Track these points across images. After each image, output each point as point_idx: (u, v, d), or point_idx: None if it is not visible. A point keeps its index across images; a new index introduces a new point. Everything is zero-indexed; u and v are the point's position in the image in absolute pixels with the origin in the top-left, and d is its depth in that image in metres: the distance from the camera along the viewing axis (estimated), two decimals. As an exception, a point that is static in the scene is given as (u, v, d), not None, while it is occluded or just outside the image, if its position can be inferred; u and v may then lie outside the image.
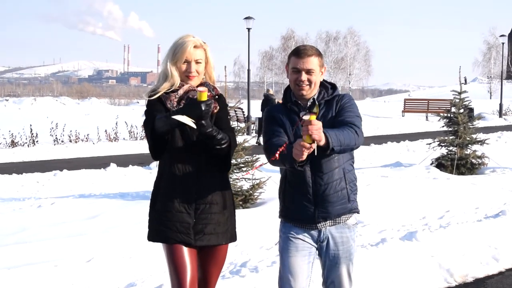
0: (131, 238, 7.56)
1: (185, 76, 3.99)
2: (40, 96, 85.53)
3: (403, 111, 44.50)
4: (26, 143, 22.59)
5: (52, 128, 23.10)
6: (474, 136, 14.44)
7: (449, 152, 14.32)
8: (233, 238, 4.11)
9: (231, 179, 9.20)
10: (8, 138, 22.80)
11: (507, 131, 26.88)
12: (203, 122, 3.74)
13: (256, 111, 28.88)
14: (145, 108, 4.05)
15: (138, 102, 72.50)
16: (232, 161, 4.27)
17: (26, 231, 8.19)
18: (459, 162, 13.94)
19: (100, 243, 7.44)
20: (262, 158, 4.25)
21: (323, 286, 4.21)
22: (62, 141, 23.29)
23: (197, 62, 3.98)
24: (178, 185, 3.92)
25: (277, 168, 4.10)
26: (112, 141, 24.25)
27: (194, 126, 3.71)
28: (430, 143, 14.86)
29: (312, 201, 3.97)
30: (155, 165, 15.22)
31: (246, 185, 9.94)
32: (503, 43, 52.92)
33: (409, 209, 9.53)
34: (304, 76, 3.94)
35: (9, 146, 22.35)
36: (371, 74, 77.81)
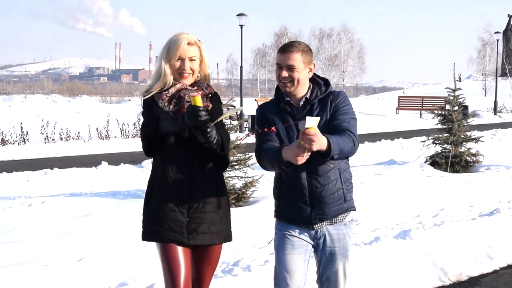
0: (123, 237, 7.53)
1: (178, 74, 3.95)
2: (31, 94, 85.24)
3: (397, 109, 44.50)
4: (17, 141, 22.41)
5: (43, 126, 22.92)
6: (468, 133, 14.43)
7: (443, 150, 14.31)
8: (228, 238, 4.07)
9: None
10: (-2, 136, 22.66)
11: (501, 129, 26.85)
12: (207, 125, 3.71)
13: (249, 109, 28.77)
14: (141, 108, 4.03)
15: (129, 100, 72.22)
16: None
17: (16, 230, 8.14)
18: (453, 160, 13.92)
19: (91, 242, 7.39)
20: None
21: (318, 283, 4.19)
22: (53, 139, 23.14)
23: (191, 60, 3.95)
24: (171, 184, 3.89)
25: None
26: (103, 139, 24.12)
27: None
28: (424, 141, 14.82)
29: (308, 203, 3.95)
30: (147, 163, 15.17)
31: (238, 183, 9.89)
32: (497, 40, 53.02)
33: (403, 208, 9.52)
34: (285, 73, 3.89)
35: (-1, 144, 22.23)
36: (365, 71, 78.06)
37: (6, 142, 22.17)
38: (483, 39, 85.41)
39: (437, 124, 14.70)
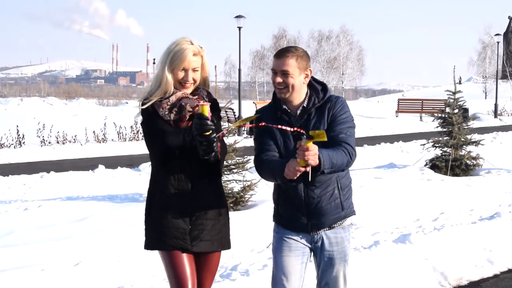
0: (120, 241, 7.51)
1: (179, 83, 3.92)
2: (27, 97, 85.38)
3: (396, 112, 44.46)
4: (13, 144, 22.39)
5: (39, 129, 22.88)
6: (468, 136, 14.39)
7: (443, 153, 14.27)
8: (228, 245, 4.09)
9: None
10: (-6, 139, 22.60)
11: (502, 132, 26.83)
12: (213, 136, 3.67)
13: (247, 112, 28.74)
14: (139, 115, 3.99)
15: (127, 103, 72.19)
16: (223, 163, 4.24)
17: (12, 234, 8.11)
18: (453, 163, 13.89)
19: (88, 247, 7.36)
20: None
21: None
22: (49, 142, 23.10)
23: (194, 70, 3.92)
24: (173, 192, 3.89)
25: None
26: (100, 142, 24.10)
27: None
28: (424, 144, 14.81)
29: (305, 213, 3.95)
30: (144, 166, 15.15)
31: (237, 187, 9.86)
32: (498, 42, 53.12)
33: (403, 211, 9.49)
34: (279, 78, 3.85)
35: (-5, 147, 22.16)
36: (364, 73, 78.09)
37: (2, 146, 22.13)
38: (484, 41, 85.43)
39: (437, 127, 14.65)
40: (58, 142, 23.45)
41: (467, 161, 14.05)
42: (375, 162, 16.52)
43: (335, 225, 3.98)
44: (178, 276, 3.84)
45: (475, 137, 15.22)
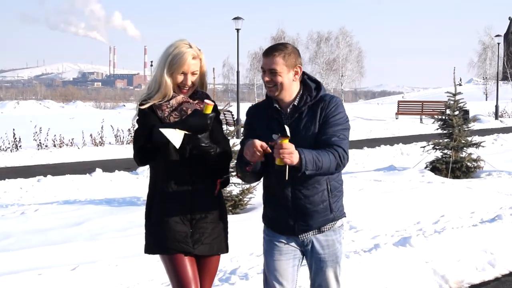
0: (118, 245, 7.49)
1: (178, 86, 3.91)
2: (23, 100, 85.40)
3: (396, 114, 44.43)
4: (9, 147, 22.30)
5: (36, 132, 22.80)
6: (469, 138, 14.38)
7: (443, 155, 14.25)
8: (227, 249, 4.11)
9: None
10: (-10, 143, 22.53)
11: (503, 134, 26.76)
12: (199, 136, 3.73)
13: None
14: (136, 116, 3.99)
15: (124, 105, 72.29)
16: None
17: (9, 238, 8.11)
18: (454, 166, 13.87)
19: (86, 251, 7.35)
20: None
21: None
22: (46, 146, 23.03)
23: (193, 74, 3.92)
24: (173, 196, 3.90)
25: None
26: (97, 146, 24.03)
27: (177, 145, 3.69)
28: (425, 146, 14.79)
29: (292, 214, 3.89)
30: (141, 170, 15.11)
31: (235, 190, 9.84)
32: (498, 43, 53.02)
33: (403, 214, 9.46)
34: (267, 77, 3.82)
35: (-9, 151, 22.09)
36: (363, 75, 77.74)
37: (-2, 149, 22.05)
38: (484, 43, 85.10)
39: (437, 129, 14.64)
40: (55, 146, 23.38)
41: (468, 163, 14.03)
42: (375, 164, 16.57)
43: (325, 228, 3.91)
44: (181, 280, 3.84)
45: (476, 139, 15.14)
